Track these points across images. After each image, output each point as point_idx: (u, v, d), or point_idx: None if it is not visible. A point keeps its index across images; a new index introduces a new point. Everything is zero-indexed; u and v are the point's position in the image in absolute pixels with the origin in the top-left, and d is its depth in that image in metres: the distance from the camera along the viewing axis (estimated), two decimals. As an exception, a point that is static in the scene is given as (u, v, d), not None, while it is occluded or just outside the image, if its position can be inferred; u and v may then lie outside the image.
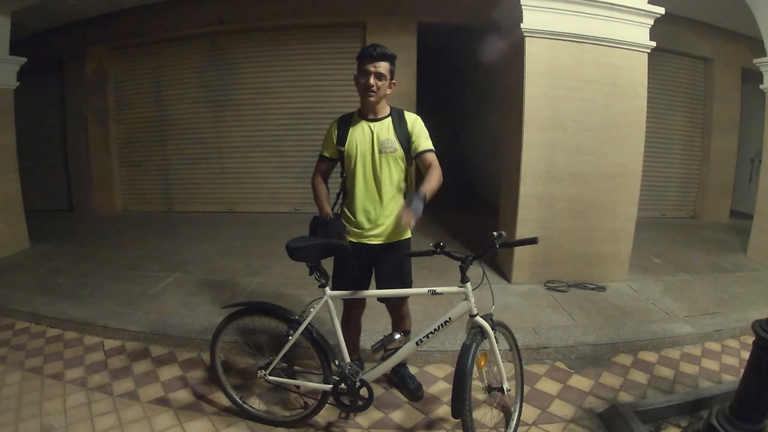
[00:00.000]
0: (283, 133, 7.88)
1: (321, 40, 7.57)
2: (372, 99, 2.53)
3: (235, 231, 6.90)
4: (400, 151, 2.60)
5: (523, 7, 4.24)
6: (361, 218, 2.64)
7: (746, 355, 2.34)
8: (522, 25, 4.28)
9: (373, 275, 2.81)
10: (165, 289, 4.53)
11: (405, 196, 2.70)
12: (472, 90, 10.48)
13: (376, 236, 2.67)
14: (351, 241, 2.67)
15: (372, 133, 2.59)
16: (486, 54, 7.36)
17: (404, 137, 2.61)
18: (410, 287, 2.79)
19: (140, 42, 7.92)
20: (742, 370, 2.33)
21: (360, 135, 2.60)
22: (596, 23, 4.35)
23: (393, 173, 2.63)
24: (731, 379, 3.18)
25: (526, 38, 4.34)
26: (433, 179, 2.49)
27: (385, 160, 2.59)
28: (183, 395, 3.00)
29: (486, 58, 7.54)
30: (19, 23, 6.13)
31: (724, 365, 3.44)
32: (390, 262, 2.73)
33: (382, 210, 2.63)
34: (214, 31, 7.65)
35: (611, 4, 4.30)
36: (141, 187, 8.55)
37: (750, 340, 2.29)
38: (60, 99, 8.32)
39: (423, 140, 2.62)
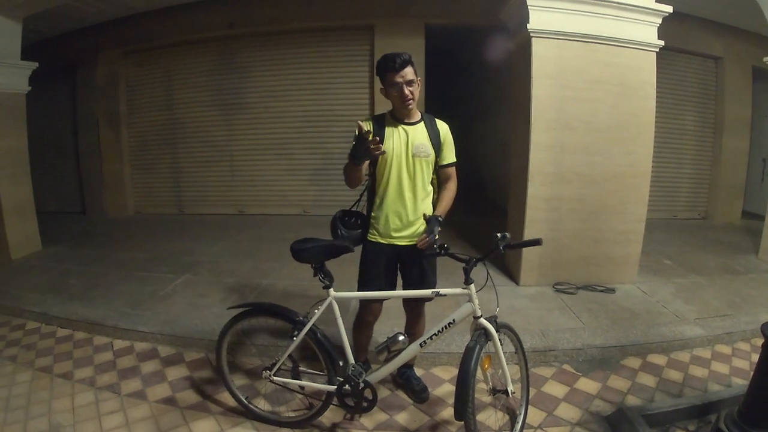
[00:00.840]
0: (293, 136, 7.92)
1: (330, 44, 7.62)
2: (411, 106, 2.57)
3: (245, 233, 6.94)
4: (432, 156, 2.65)
5: (529, 7, 4.23)
6: (394, 219, 2.65)
7: (757, 358, 2.30)
8: (528, 26, 4.27)
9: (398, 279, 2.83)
10: (175, 291, 4.57)
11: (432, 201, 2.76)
12: (480, 92, 10.46)
13: (406, 237, 2.68)
14: (381, 243, 2.70)
15: (407, 135, 2.62)
16: (493, 55, 7.37)
17: (437, 144, 2.66)
18: (435, 287, 2.75)
19: (151, 46, 8.03)
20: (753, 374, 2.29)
21: (396, 138, 2.61)
22: (603, 23, 4.32)
23: (425, 176, 2.67)
24: (741, 383, 3.14)
25: (533, 38, 4.32)
26: (450, 198, 2.70)
27: (419, 164, 2.62)
28: (190, 395, 3.03)
29: (494, 59, 7.54)
30: (32, 28, 6.24)
31: (734, 368, 3.40)
32: (418, 264, 2.73)
33: (414, 212, 2.66)
34: (225, 35, 7.74)
35: (618, 3, 4.27)
36: (152, 189, 8.65)
37: (761, 342, 2.26)
38: (72, 103, 8.45)
39: (451, 152, 2.72)
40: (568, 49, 4.37)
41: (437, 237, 2.44)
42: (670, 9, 4.36)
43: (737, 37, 7.47)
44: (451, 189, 2.75)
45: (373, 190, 2.75)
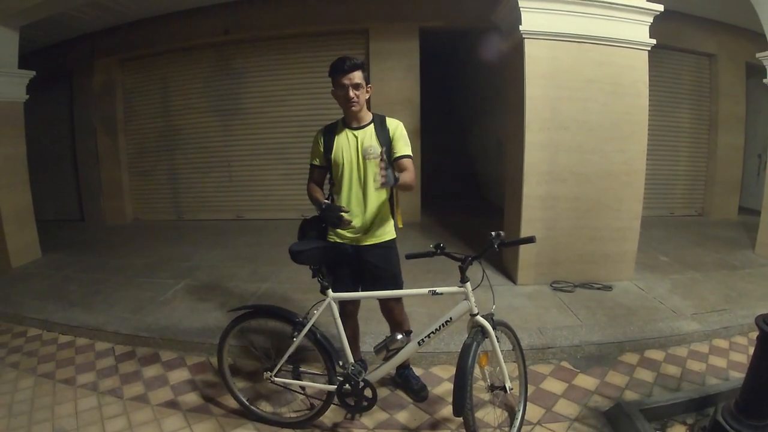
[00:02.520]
0: (290, 141, 7.93)
1: (325, 48, 7.64)
2: (355, 109, 2.64)
3: (244, 238, 6.97)
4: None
5: (521, 9, 4.27)
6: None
7: (754, 351, 2.33)
8: (521, 27, 4.31)
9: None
10: (175, 296, 4.59)
11: (389, 200, 2.80)
12: (476, 93, 10.49)
13: (364, 237, 2.74)
14: (338, 242, 2.75)
15: (356, 140, 2.68)
16: (488, 57, 7.40)
17: (386, 142, 2.68)
18: (402, 287, 2.84)
19: (148, 53, 8.05)
20: (750, 367, 2.32)
21: (345, 143, 2.69)
22: (595, 23, 4.36)
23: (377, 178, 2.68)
24: (739, 376, 3.14)
25: (526, 40, 4.36)
26: (409, 177, 2.62)
27: (370, 166, 2.67)
28: (192, 398, 3.06)
29: (488, 60, 7.57)
30: (28, 37, 6.26)
31: (731, 362, 3.42)
32: (376, 263, 2.77)
33: (369, 213, 2.71)
34: (221, 41, 7.76)
35: (609, 3, 4.31)
36: (150, 196, 8.67)
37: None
38: (69, 111, 8.47)
39: (401, 146, 2.72)
40: (561, 50, 4.41)
41: (390, 183, 2.27)
42: (660, 8, 4.40)
43: (730, 33, 7.51)
44: (409, 172, 2.65)
45: (332, 196, 2.85)
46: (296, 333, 2.53)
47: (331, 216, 2.54)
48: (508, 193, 5.11)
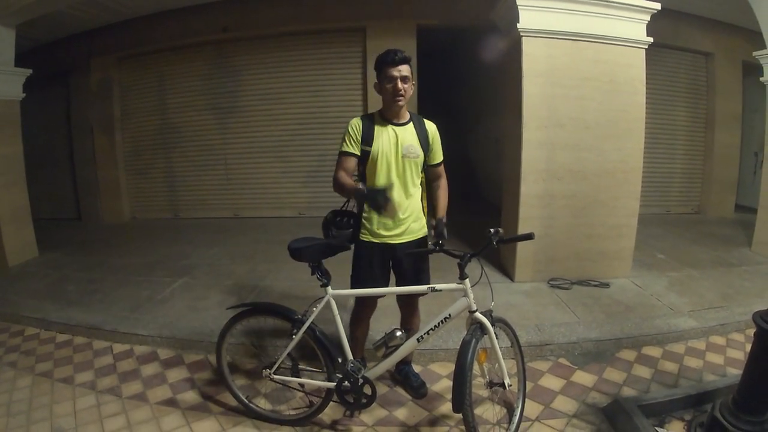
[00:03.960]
0: (288, 139, 7.95)
1: (322, 46, 7.65)
2: (401, 103, 2.58)
3: (241, 236, 6.97)
4: (421, 157, 2.68)
5: (519, 7, 4.28)
6: (385, 220, 2.65)
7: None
8: (519, 25, 4.32)
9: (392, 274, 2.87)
10: (173, 294, 4.59)
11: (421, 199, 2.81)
12: (473, 91, 10.50)
13: (398, 235, 2.71)
14: (374, 243, 2.71)
15: (397, 137, 2.63)
16: (485, 55, 7.40)
17: (426, 144, 2.69)
18: (428, 283, 2.79)
19: (145, 51, 8.03)
20: (747, 363, 2.33)
21: (386, 138, 2.63)
22: (592, 21, 4.38)
23: (414, 177, 2.70)
24: (736, 373, 3.17)
25: (523, 38, 4.37)
26: (446, 196, 2.82)
27: (408, 164, 2.65)
28: (191, 396, 3.05)
29: (485, 59, 7.57)
30: (25, 35, 6.24)
31: (728, 359, 3.44)
32: (412, 261, 2.77)
33: (404, 211, 2.68)
34: (218, 39, 7.75)
35: (607, 1, 4.33)
36: (148, 194, 8.65)
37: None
38: (66, 109, 8.44)
39: (439, 152, 2.79)
40: (559, 48, 4.42)
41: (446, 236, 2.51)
42: (658, 6, 4.42)
43: (727, 32, 7.53)
44: (444, 187, 2.85)
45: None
46: (295, 330, 2.53)
47: (377, 199, 2.32)
48: (506, 191, 5.12)
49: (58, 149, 8.62)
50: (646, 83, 4.68)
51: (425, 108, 6.91)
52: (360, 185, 2.58)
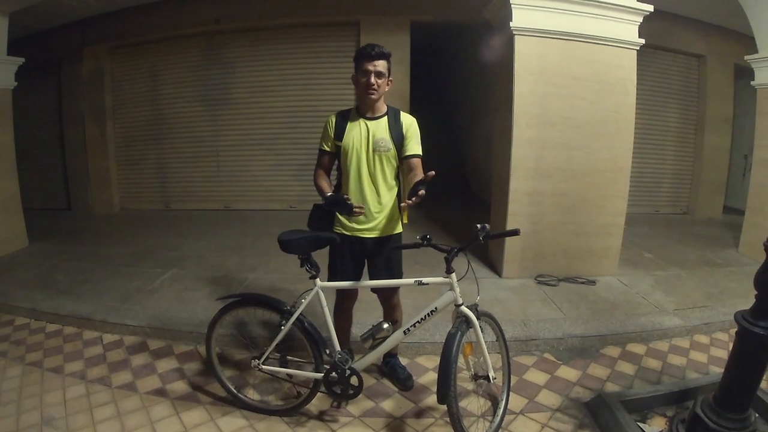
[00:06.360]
0: (279, 132, 7.95)
1: (316, 39, 7.65)
2: (373, 97, 2.60)
3: (231, 228, 6.97)
4: (393, 151, 2.68)
5: (512, 5, 4.30)
6: (355, 219, 2.69)
7: (734, 347, 2.39)
8: (511, 24, 4.35)
9: (365, 267, 2.89)
10: (162, 285, 4.59)
11: (397, 194, 2.79)
12: (466, 88, 10.53)
13: (369, 230, 2.74)
14: (345, 235, 2.75)
15: (368, 131, 2.66)
16: (478, 52, 7.43)
17: (398, 138, 2.68)
18: (400, 278, 2.87)
19: (137, 41, 7.98)
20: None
21: (357, 132, 2.66)
22: (585, 21, 4.41)
23: (386, 171, 2.70)
24: (718, 371, 3.21)
25: (516, 36, 4.40)
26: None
27: (379, 159, 2.66)
28: (180, 386, 3.07)
29: (478, 56, 7.60)
30: (18, 23, 6.19)
31: (712, 357, 3.50)
32: (382, 256, 2.80)
33: (375, 205, 2.71)
34: (211, 30, 7.72)
35: (600, 2, 4.36)
36: (138, 185, 8.62)
37: (737, 331, 2.34)
38: (57, 98, 8.36)
39: (414, 144, 2.71)
40: (551, 47, 4.45)
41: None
42: (650, 8, 4.45)
43: (719, 35, 7.59)
44: (419, 177, 2.65)
45: (340, 184, 2.84)
46: (284, 321, 2.55)
47: (338, 207, 2.55)
48: (495, 187, 5.16)
49: (49, 139, 8.55)
50: (638, 84, 4.74)
51: (417, 103, 6.95)
52: (328, 192, 2.65)
